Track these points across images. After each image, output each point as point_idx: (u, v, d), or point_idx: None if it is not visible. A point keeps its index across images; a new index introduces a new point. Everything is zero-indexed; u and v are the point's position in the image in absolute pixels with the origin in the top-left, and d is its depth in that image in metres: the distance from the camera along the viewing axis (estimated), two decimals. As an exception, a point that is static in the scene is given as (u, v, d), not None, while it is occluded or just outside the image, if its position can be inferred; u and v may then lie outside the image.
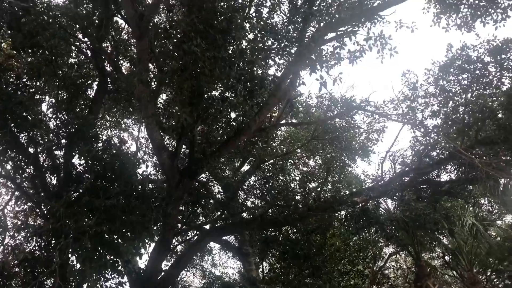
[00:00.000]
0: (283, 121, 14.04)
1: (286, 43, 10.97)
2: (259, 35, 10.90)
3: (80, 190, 9.23)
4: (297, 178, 15.01)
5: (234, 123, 12.92)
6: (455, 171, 14.57)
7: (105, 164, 9.21)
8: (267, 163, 14.88)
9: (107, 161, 9.32)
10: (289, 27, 11.96)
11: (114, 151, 9.89)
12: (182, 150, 12.81)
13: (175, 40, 8.48)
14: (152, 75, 10.54)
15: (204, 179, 14.98)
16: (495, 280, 20.52)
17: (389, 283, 19.80)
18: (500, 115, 12.40)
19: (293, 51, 10.97)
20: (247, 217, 14.23)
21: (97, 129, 12.14)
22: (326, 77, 9.81)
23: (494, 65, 12.29)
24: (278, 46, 10.97)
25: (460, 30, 12.26)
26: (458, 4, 12.18)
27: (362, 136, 14.12)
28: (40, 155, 9.92)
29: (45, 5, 10.10)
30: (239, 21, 9.67)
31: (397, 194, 13.42)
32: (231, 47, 9.68)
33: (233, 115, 13.07)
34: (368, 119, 13.65)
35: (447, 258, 20.34)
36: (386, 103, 12.86)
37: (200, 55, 8.00)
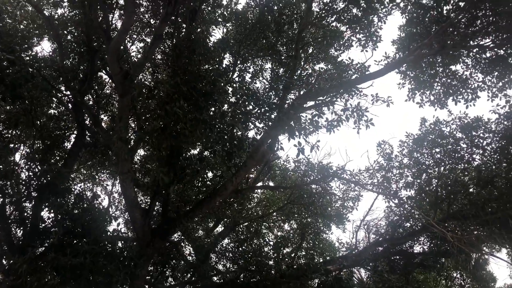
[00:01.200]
0: (260, 184, 14.06)
1: (266, 108, 11.20)
2: (241, 99, 11.14)
3: (46, 246, 8.88)
4: (271, 242, 14.81)
5: (210, 183, 12.86)
6: (428, 243, 14.63)
7: (75, 219, 8.96)
8: (241, 226, 14.69)
9: (78, 216, 9.07)
10: (270, 93, 12.32)
11: (85, 206, 9.67)
12: (156, 208, 12.59)
13: (158, 100, 8.59)
14: (132, 133, 10.55)
15: (176, 239, 14.61)
16: None
17: None
18: (471, 190, 12.71)
19: (273, 116, 11.21)
20: (218, 281, 13.80)
21: (70, 182, 11.90)
22: (304, 143, 9.96)
23: (465, 141, 12.75)
24: (259, 111, 11.20)
25: (433, 106, 12.82)
26: (432, 82, 12.82)
27: (337, 203, 14.19)
28: (7, 206, 9.60)
29: (31, 56, 10.20)
30: (222, 85, 9.93)
31: (370, 264, 13.31)
32: (213, 109, 9.86)
33: (210, 175, 13.05)
34: (344, 186, 13.81)
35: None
36: (362, 171, 13.09)
37: (182, 116, 8.10)
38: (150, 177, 10.62)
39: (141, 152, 14.04)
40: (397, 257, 13.54)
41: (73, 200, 9.81)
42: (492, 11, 11.31)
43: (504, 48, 11.75)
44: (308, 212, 14.58)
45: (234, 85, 12.24)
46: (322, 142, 12.15)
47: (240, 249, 13.55)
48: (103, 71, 12.06)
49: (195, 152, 12.24)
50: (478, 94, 12.22)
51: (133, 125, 11.48)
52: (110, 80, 12.86)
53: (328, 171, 12.08)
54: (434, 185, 13.18)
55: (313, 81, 12.59)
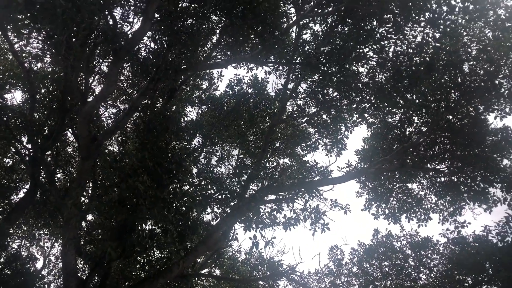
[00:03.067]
0: (206, 271, 13.60)
1: (228, 195, 11.20)
2: (203, 181, 11.12)
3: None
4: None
5: (155, 263, 12.32)
6: None
7: (6, 281, 8.29)
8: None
9: (9, 277, 8.41)
10: (234, 180, 12.39)
11: (18, 266, 9.02)
12: (94, 279, 11.85)
13: (120, 171, 8.46)
14: (87, 200, 10.22)
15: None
16: None
17: None
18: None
19: (232, 204, 11.18)
20: None
21: (8, 239, 11.14)
22: (260, 237, 9.89)
23: (414, 259, 13.01)
24: (219, 196, 11.16)
25: (387, 219, 13.15)
26: (388, 196, 13.29)
27: (282, 303, 13.79)
28: None
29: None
30: (188, 164, 9.96)
31: None
32: (173, 187, 9.79)
33: (157, 254, 12.56)
34: (291, 287, 13.52)
35: None
36: (311, 274, 12.95)
37: (143, 192, 7.97)
38: (95, 248, 10.09)
39: (89, 217, 13.48)
40: None
41: (6, 259, 9.14)
42: (449, 140, 12.17)
43: (457, 176, 12.48)
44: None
45: (199, 166, 12.31)
46: (277, 238, 12.09)
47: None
48: (70, 130, 11.90)
49: (146, 228, 11.89)
50: (431, 215, 12.70)
51: (89, 192, 11.15)
52: (74, 140, 12.65)
53: (278, 269, 11.88)
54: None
55: (276, 176, 12.82)
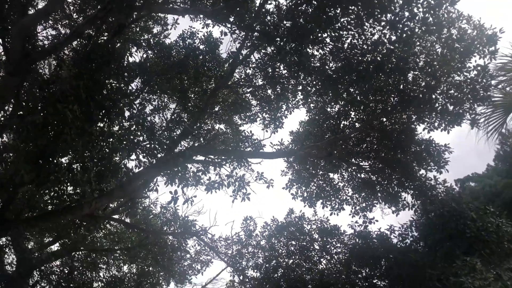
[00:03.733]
0: (117, 216, 13.34)
1: (157, 145, 10.98)
2: (134, 126, 10.79)
3: None
4: (104, 280, 13.87)
5: (67, 198, 11.86)
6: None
7: None
8: (80, 252, 13.59)
9: None
10: (166, 133, 12.15)
11: None
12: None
13: (50, 95, 7.96)
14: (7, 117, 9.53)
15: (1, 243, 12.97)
16: None
17: None
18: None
19: (160, 156, 10.99)
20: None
21: None
22: (180, 194, 9.87)
23: (318, 244, 13.65)
24: (148, 146, 10.92)
25: (304, 202, 13.65)
26: (310, 181, 13.77)
27: (186, 261, 13.95)
28: None
29: None
30: (122, 105, 9.60)
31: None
32: (103, 125, 9.44)
33: (70, 189, 12.08)
34: (199, 248, 13.72)
35: None
36: (221, 239, 13.18)
37: (70, 121, 7.58)
38: (6, 169, 9.50)
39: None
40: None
41: None
42: (378, 140, 12.79)
43: (376, 175, 13.20)
44: (153, 261, 14.04)
45: (133, 111, 11.90)
46: (197, 198, 12.06)
47: (70, 277, 12.42)
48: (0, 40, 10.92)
49: (64, 160, 11.36)
50: (344, 207, 13.36)
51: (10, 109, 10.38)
52: (2, 52, 11.65)
53: (190, 228, 11.97)
54: (279, 274, 13.69)
55: (209, 138, 12.76)
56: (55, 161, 9.23)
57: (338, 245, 13.58)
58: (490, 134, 10.97)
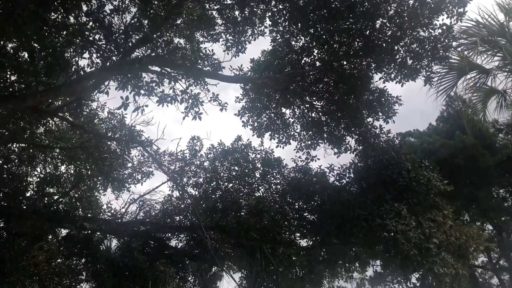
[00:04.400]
0: (61, 114, 12.90)
1: (113, 47, 10.52)
2: (91, 23, 10.21)
3: None
4: (41, 176, 13.64)
5: (7, 86, 11.25)
6: (185, 242, 15.47)
7: None
8: (17, 145, 13.15)
9: None
10: (124, 36, 11.60)
11: None
12: None
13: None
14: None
15: None
16: None
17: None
18: (243, 213, 14.06)
19: (114, 58, 10.56)
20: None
21: None
22: (131, 100, 9.64)
23: (259, 172, 14.07)
24: (104, 46, 10.43)
25: (253, 131, 13.81)
26: (262, 111, 13.87)
27: (127, 170, 13.93)
28: None
29: None
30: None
31: (126, 238, 13.38)
32: (58, 16, 8.89)
33: (13, 78, 11.45)
34: (142, 158, 13.69)
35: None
36: (165, 154, 13.22)
37: (23, 1, 7.05)
38: None
39: None
40: (154, 242, 13.91)
41: None
42: (334, 83, 12.97)
43: (326, 116, 13.53)
44: (93, 165, 13.89)
45: (91, 6, 11.18)
46: (148, 109, 11.70)
47: (4, 167, 12.09)
48: None
49: (11, 45, 10.67)
50: (291, 141, 13.70)
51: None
52: None
53: (135, 137, 11.85)
54: (217, 195, 14.10)
55: (169, 51, 12.36)
56: (1, 42, 8.68)
57: (278, 176, 14.09)
58: (439, 94, 11.41)
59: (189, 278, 20.33)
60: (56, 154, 14.51)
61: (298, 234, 14.26)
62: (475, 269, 23.11)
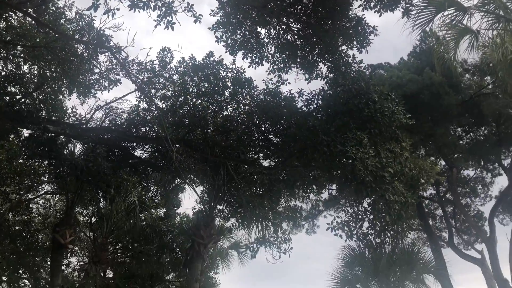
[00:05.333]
0: (24, 9, 12.16)
1: None
2: None
3: None
4: (2, 74, 13.12)
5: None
6: (150, 153, 15.64)
7: None
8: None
9: None
10: None
11: None
12: None
13: None
14: None
15: None
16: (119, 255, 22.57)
17: (30, 215, 19.13)
18: (209, 131, 14.22)
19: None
20: None
21: None
22: (102, 2, 9.17)
23: (229, 92, 14.00)
24: None
25: (226, 48, 13.51)
26: (237, 28, 13.50)
27: (94, 75, 13.51)
28: None
29: None
30: None
31: (91, 144, 13.39)
32: None
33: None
34: (110, 65, 13.26)
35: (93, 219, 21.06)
36: (134, 62, 12.85)
37: None
38: None
39: None
40: (119, 150, 13.99)
41: None
42: (313, 6, 12.69)
43: (301, 40, 13.38)
44: (58, 67, 13.38)
45: None
46: (118, 14, 11.00)
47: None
48: None
49: None
50: (264, 62, 13.57)
51: None
52: None
53: (104, 43, 11.41)
54: (184, 110, 14.05)
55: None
56: None
57: (248, 97, 14.10)
58: (415, 28, 11.38)
59: (152, 188, 20.88)
60: (18, 52, 13.87)
61: (261, 155, 14.64)
62: (423, 200, 24.74)
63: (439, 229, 26.50)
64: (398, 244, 19.72)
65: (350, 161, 9.86)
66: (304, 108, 12.57)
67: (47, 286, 18.01)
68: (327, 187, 16.37)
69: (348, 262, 20.79)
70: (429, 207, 26.85)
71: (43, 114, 13.40)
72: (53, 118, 13.76)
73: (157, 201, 22.12)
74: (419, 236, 26.44)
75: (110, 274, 21.03)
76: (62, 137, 13.18)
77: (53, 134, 12.66)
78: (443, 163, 22.86)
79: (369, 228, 11.74)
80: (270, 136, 13.88)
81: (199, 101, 14.06)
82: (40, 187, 18.97)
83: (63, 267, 17.83)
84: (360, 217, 12.11)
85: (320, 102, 12.14)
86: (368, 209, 11.80)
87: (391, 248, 20.03)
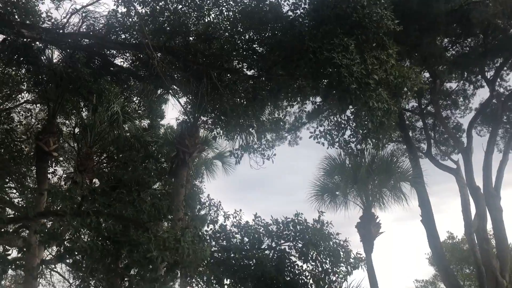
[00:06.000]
0: None
1: None
2: None
3: None
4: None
5: None
6: (131, 62, 15.23)
7: None
8: None
9: None
10: None
11: None
12: None
13: None
14: None
15: None
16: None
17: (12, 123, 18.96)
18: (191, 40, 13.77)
19: None
20: None
21: None
22: None
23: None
24: None
25: None
26: None
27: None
28: None
29: None
30: None
31: (69, 50, 12.92)
32: None
33: None
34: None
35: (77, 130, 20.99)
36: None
37: None
38: None
39: None
40: (98, 58, 13.57)
41: None
42: None
43: None
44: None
45: None
46: None
47: None
48: None
49: None
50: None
51: None
52: None
53: None
54: (164, 17, 13.43)
55: None
56: None
57: (231, 2, 13.43)
58: None
59: (134, 99, 20.68)
60: None
61: (245, 65, 14.37)
62: (404, 112, 25.13)
63: (418, 140, 27.18)
64: (378, 154, 20.36)
65: (336, 68, 9.73)
66: (290, 13, 12.11)
67: (34, 192, 18.35)
68: (311, 99, 16.37)
69: (328, 171, 21.56)
70: (410, 119, 27.31)
71: (16, 17, 12.67)
72: (27, 22, 13.06)
73: (140, 112, 22.02)
74: (398, 148, 27.16)
75: (97, 184, 21.40)
76: (38, 43, 12.62)
77: (29, 40, 12.12)
78: (427, 75, 22.85)
79: (351, 136, 11.97)
80: (254, 45, 13.52)
81: (180, 6, 13.42)
82: (20, 95, 18.57)
83: (49, 176, 18.04)
84: (342, 125, 12.28)
85: (307, 6, 11.66)
86: (351, 117, 11.92)
87: (370, 158, 20.72)
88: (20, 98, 19.15)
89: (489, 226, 22.20)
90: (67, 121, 21.13)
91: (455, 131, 25.47)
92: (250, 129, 13.86)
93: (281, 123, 15.26)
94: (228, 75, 14.49)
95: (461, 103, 25.43)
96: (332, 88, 10.71)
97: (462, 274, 35.16)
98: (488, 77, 22.99)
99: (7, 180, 19.47)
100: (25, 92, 18.16)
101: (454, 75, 22.70)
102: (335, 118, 12.51)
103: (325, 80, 11.45)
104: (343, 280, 12.16)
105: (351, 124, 11.98)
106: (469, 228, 21.72)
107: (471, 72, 22.94)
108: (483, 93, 24.56)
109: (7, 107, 18.97)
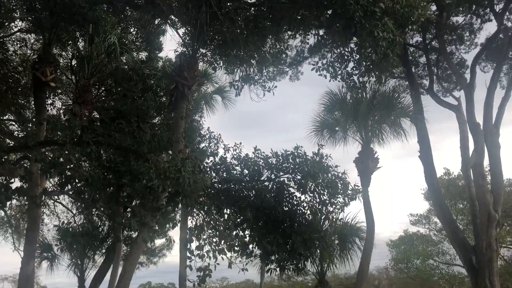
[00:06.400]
0: None
1: None
2: None
3: None
4: None
5: None
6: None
7: None
8: None
9: None
10: None
11: None
12: None
13: None
14: None
15: None
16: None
17: (7, 53, 18.53)
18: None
19: None
20: None
21: None
22: None
23: None
24: None
25: None
26: None
27: None
28: None
29: None
30: None
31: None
32: None
33: None
34: None
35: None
36: None
37: None
38: None
39: None
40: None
41: None
42: None
43: None
44: None
45: None
46: None
47: None
48: None
49: None
50: None
51: None
52: None
53: None
54: None
55: None
56: None
57: None
58: None
59: (132, 30, 20.08)
60: None
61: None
62: (408, 47, 24.54)
63: (420, 76, 26.73)
64: (380, 89, 20.12)
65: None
66: None
67: (33, 123, 18.30)
68: (313, 31, 15.85)
69: (328, 107, 21.37)
70: (414, 54, 26.70)
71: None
72: None
73: (138, 43, 21.47)
74: (400, 84, 26.80)
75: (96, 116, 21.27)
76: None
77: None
78: (434, 8, 21.99)
79: (354, 68, 11.74)
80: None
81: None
82: (13, 23, 17.94)
83: (48, 108, 17.91)
84: (346, 57, 12.02)
85: None
86: (355, 49, 11.63)
87: (372, 93, 20.49)
88: (13, 27, 18.54)
89: (486, 162, 22.31)
90: (63, 53, 20.62)
91: (458, 67, 24.97)
92: (251, 60, 13.52)
93: (283, 55, 14.84)
94: (229, 3, 13.91)
95: (466, 38, 24.71)
96: (336, 17, 10.34)
97: (455, 209, 36.09)
98: (497, 10, 22.16)
99: (5, 112, 19.34)
100: (18, 20, 17.50)
101: (461, 8, 21.86)
102: (338, 50, 12.20)
103: (329, 11, 11.06)
104: (340, 211, 12.44)
105: (354, 56, 11.71)
106: (466, 164, 21.87)
107: (479, 4, 22.09)
108: (490, 27, 23.81)
109: (0, 35, 18.38)
